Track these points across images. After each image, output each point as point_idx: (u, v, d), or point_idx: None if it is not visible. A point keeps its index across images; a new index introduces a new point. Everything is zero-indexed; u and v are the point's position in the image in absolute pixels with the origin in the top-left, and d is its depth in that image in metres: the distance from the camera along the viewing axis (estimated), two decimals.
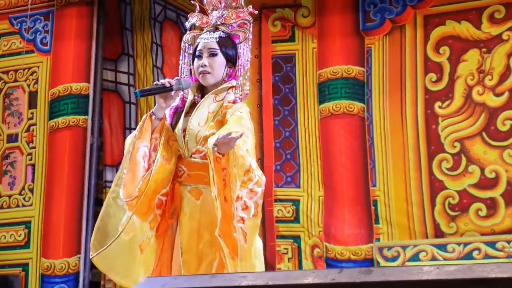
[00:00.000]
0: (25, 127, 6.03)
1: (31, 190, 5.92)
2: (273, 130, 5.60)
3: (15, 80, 6.13)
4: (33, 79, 6.07)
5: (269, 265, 5.43)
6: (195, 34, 3.63)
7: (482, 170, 5.16)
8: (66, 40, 5.98)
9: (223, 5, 3.59)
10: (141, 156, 3.42)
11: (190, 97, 3.56)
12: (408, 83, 5.36)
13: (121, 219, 3.40)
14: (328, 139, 5.44)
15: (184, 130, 3.46)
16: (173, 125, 3.52)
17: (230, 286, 1.87)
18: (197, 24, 3.63)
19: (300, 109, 5.57)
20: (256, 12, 3.67)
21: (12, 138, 6.05)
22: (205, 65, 3.50)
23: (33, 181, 5.93)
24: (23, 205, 5.93)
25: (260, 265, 3.41)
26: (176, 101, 3.55)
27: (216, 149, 3.20)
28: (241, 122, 3.40)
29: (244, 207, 3.25)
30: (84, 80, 5.87)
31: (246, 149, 3.31)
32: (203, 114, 3.48)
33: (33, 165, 5.95)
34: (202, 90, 3.58)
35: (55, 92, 5.92)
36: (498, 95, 5.21)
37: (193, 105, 3.56)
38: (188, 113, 3.52)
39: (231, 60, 3.55)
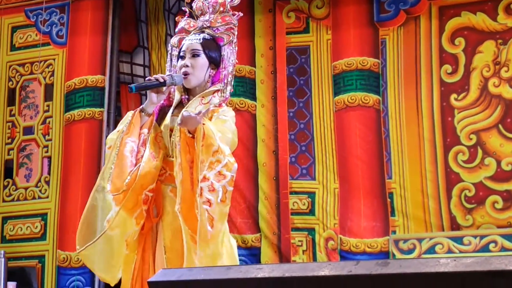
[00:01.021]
0: (41, 120, 6.06)
1: (47, 182, 5.95)
2: (287, 122, 5.60)
3: (31, 73, 6.15)
4: (49, 72, 6.09)
5: (284, 257, 5.44)
6: (181, 37, 3.65)
7: (499, 162, 5.14)
8: (82, 33, 6.00)
9: (210, 10, 3.61)
10: (128, 151, 3.44)
11: (177, 97, 3.58)
12: (423, 75, 5.35)
13: (106, 214, 3.42)
14: (343, 131, 5.44)
15: (171, 130, 3.49)
16: (158, 123, 3.54)
17: (246, 278, 1.87)
18: (185, 28, 3.65)
19: (315, 101, 5.57)
20: (241, 14, 3.68)
21: (28, 130, 6.09)
22: (187, 66, 3.52)
23: (49, 173, 5.95)
24: (39, 197, 5.96)
25: (229, 259, 3.38)
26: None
27: (180, 123, 3.27)
28: (224, 124, 3.42)
29: (211, 189, 3.24)
30: (100, 72, 5.89)
31: (219, 136, 3.32)
32: None
33: (49, 158, 5.98)
34: (188, 90, 3.60)
35: (71, 84, 5.94)
36: None
37: (180, 104, 3.59)
38: (175, 113, 3.54)
39: (214, 62, 3.56)
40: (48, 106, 6.06)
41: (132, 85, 3.48)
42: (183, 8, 3.74)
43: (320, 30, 5.62)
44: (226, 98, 3.57)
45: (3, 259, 5.47)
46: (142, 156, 3.43)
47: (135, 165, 3.43)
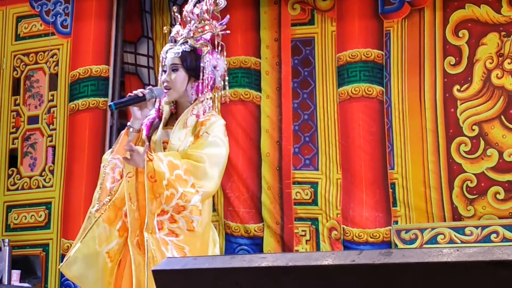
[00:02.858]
0: (46, 109, 6.07)
1: (52, 172, 5.96)
2: (292, 113, 5.61)
3: (36, 62, 6.15)
4: (53, 61, 6.10)
5: (287, 247, 5.46)
6: (169, 48, 3.67)
7: (501, 153, 5.16)
8: (86, 23, 6.00)
9: (196, 17, 3.63)
10: (110, 168, 3.51)
11: (166, 109, 3.63)
12: (427, 66, 5.35)
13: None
14: (346, 122, 5.44)
15: (165, 143, 3.53)
16: (150, 137, 3.57)
17: (249, 267, 1.88)
18: (174, 37, 3.68)
19: (319, 92, 5.58)
20: (226, 19, 3.70)
21: (33, 120, 6.10)
22: (167, 81, 3.56)
23: (53, 162, 5.97)
24: (44, 186, 5.97)
25: None
26: (152, 113, 3.61)
27: (129, 161, 3.37)
28: (202, 150, 3.45)
29: (171, 221, 3.34)
30: (104, 62, 5.89)
31: (184, 168, 3.37)
32: (183, 129, 3.54)
33: (54, 147, 5.99)
34: (175, 101, 3.64)
35: (75, 74, 5.95)
36: None
37: (172, 115, 3.64)
38: (168, 125, 3.60)
39: (195, 75, 3.58)
40: (52, 95, 6.07)
41: (112, 103, 3.52)
42: (179, 5, 3.77)
43: (325, 22, 5.62)
44: (208, 108, 3.59)
45: (7, 248, 5.48)
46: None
47: (120, 179, 3.48)
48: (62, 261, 5.65)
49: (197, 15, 3.63)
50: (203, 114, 3.54)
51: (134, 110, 3.52)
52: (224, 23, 3.65)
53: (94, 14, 5.99)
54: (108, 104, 3.47)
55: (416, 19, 5.40)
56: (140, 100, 3.49)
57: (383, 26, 5.47)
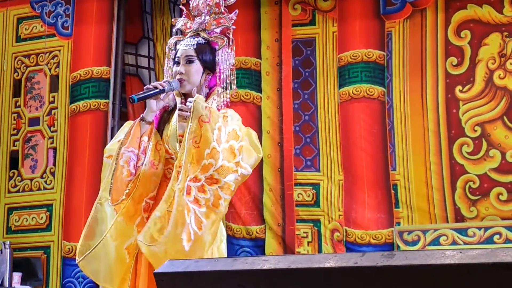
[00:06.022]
0: (47, 111, 6.06)
1: (53, 173, 5.96)
2: (292, 114, 5.60)
3: (37, 64, 6.15)
4: (54, 63, 6.10)
5: (288, 249, 5.46)
6: (178, 40, 3.64)
7: (503, 154, 5.15)
8: (87, 24, 6.00)
9: (206, 10, 3.60)
10: (124, 161, 3.46)
11: (178, 101, 3.60)
12: (428, 67, 5.35)
13: (108, 225, 3.44)
14: (348, 123, 5.44)
15: (181, 136, 3.50)
16: (160, 130, 3.56)
17: (252, 269, 1.87)
18: (182, 29, 3.65)
19: (320, 93, 5.57)
20: (237, 12, 3.69)
21: (33, 121, 6.10)
22: (182, 73, 3.53)
23: (54, 164, 5.97)
24: (45, 188, 5.97)
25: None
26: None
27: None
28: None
29: (200, 190, 3.28)
30: (105, 63, 5.89)
31: (244, 144, 3.38)
32: None
33: (55, 149, 5.99)
34: (185, 95, 3.61)
35: (76, 75, 5.95)
36: None
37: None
38: (180, 119, 3.57)
39: (209, 67, 3.57)
40: (53, 97, 6.07)
41: (134, 96, 3.47)
42: (178, 5, 3.75)
43: (326, 22, 5.61)
44: (226, 102, 3.57)
45: (8, 250, 5.49)
46: (142, 164, 3.45)
47: (135, 173, 3.45)
48: (62, 260, 5.75)
49: (208, 8, 3.60)
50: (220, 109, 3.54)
51: (152, 102, 3.50)
52: (234, 18, 3.63)
53: (95, 15, 5.99)
54: (130, 97, 3.43)
55: (418, 20, 5.40)
56: (160, 92, 3.47)
57: (384, 27, 5.47)
